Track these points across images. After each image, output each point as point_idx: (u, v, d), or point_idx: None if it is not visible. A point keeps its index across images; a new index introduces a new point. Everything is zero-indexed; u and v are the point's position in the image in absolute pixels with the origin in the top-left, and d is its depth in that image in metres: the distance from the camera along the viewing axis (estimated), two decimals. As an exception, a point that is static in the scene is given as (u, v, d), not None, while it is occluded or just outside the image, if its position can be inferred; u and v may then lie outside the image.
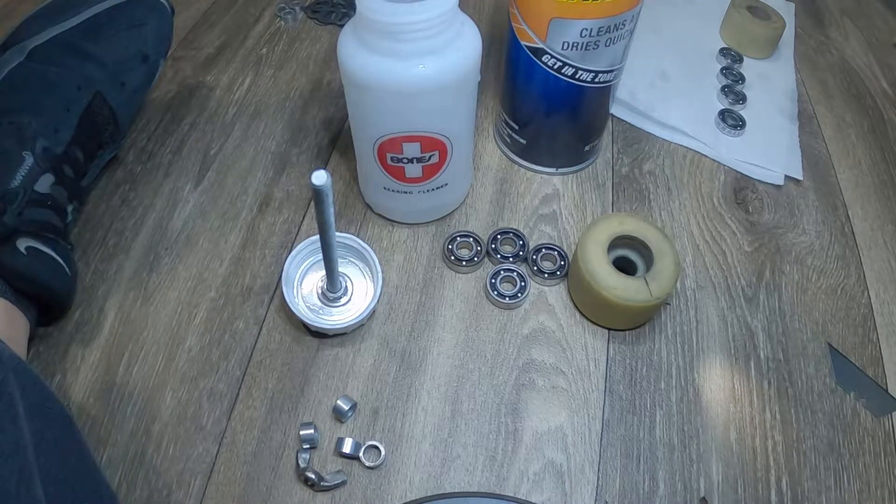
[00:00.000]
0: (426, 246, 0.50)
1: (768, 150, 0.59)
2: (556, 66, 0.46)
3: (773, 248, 0.52)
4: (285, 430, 0.41)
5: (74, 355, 0.43)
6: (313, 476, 0.38)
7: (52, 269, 0.42)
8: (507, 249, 0.50)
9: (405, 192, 0.48)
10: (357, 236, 0.46)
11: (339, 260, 0.43)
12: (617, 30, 0.44)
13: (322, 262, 0.41)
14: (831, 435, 0.42)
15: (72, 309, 0.45)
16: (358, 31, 0.40)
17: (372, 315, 0.46)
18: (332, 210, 0.35)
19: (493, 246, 0.49)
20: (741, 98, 0.63)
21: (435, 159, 0.45)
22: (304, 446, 0.39)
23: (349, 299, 0.45)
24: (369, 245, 0.45)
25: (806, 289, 0.50)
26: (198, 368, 0.43)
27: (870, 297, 0.49)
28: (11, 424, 0.26)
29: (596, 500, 0.39)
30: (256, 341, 0.45)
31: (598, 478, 0.40)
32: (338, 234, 0.43)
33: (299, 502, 0.38)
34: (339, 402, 0.41)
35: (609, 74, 0.48)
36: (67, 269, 0.43)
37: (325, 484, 0.38)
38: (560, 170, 0.55)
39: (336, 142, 0.57)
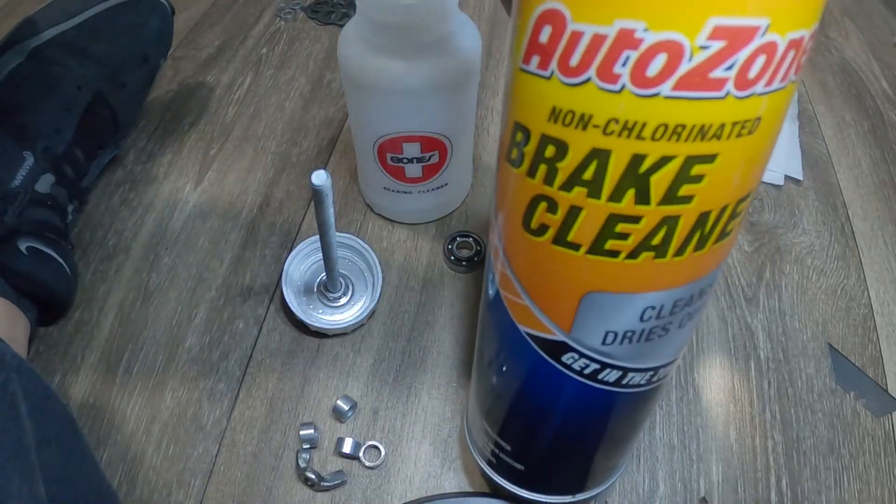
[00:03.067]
0: (426, 246, 0.50)
1: (768, 150, 0.59)
2: (587, 371, 0.25)
3: (773, 248, 0.52)
4: (285, 430, 0.41)
5: (74, 355, 0.43)
6: (313, 476, 0.38)
7: (52, 269, 0.42)
8: (507, 249, 0.50)
9: (405, 192, 0.48)
10: (357, 236, 0.46)
11: (339, 260, 0.43)
12: (700, 297, 0.24)
13: (322, 262, 0.41)
14: (831, 435, 0.42)
15: (72, 309, 0.45)
16: (358, 31, 0.40)
17: (372, 315, 0.46)
18: (332, 210, 0.35)
19: (493, 246, 0.49)
20: (741, 98, 0.63)
21: (435, 159, 0.45)
22: (304, 446, 0.40)
23: (349, 299, 0.45)
24: (369, 245, 0.45)
25: (806, 289, 0.50)
26: (198, 368, 0.43)
27: (870, 297, 0.49)
28: (14, 424, 0.26)
29: (596, 499, 0.39)
30: (256, 341, 0.45)
31: (598, 478, 0.40)
32: (338, 234, 0.43)
33: (299, 502, 0.38)
34: (339, 402, 0.41)
35: (669, 367, 0.27)
36: (68, 269, 0.43)
37: (325, 484, 0.38)
38: (576, 496, 0.35)
39: (336, 142, 0.57)
